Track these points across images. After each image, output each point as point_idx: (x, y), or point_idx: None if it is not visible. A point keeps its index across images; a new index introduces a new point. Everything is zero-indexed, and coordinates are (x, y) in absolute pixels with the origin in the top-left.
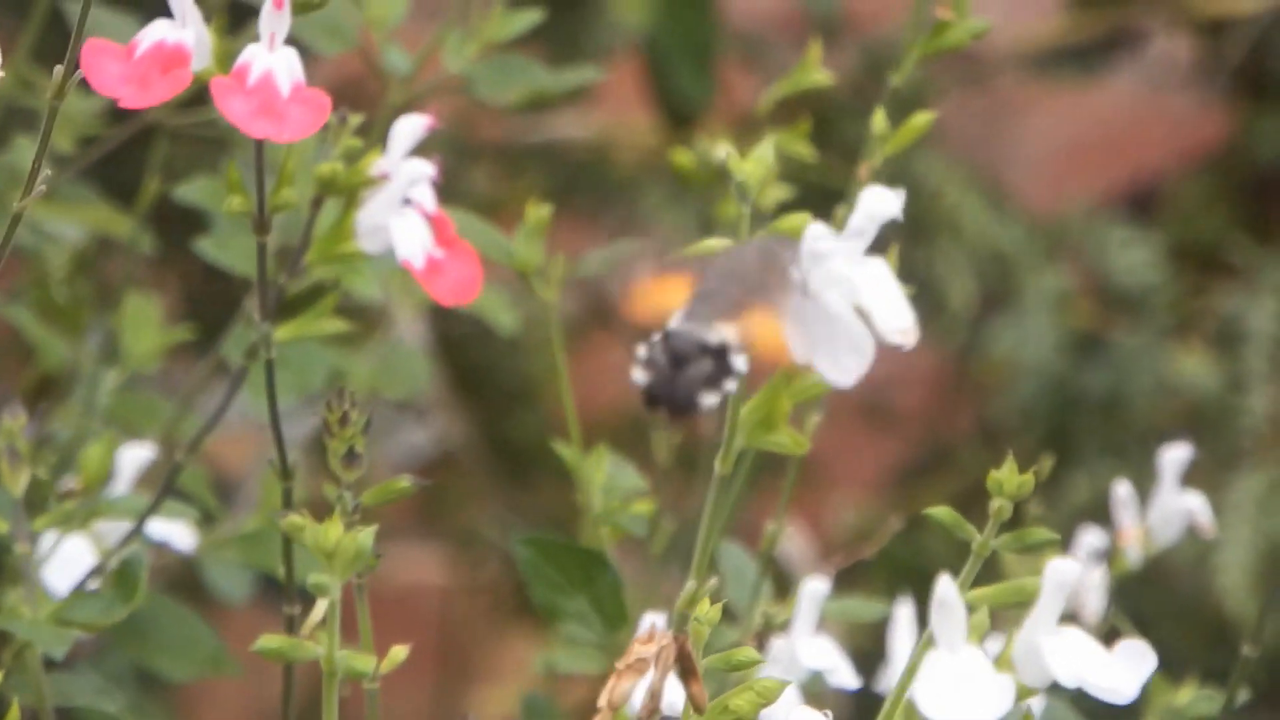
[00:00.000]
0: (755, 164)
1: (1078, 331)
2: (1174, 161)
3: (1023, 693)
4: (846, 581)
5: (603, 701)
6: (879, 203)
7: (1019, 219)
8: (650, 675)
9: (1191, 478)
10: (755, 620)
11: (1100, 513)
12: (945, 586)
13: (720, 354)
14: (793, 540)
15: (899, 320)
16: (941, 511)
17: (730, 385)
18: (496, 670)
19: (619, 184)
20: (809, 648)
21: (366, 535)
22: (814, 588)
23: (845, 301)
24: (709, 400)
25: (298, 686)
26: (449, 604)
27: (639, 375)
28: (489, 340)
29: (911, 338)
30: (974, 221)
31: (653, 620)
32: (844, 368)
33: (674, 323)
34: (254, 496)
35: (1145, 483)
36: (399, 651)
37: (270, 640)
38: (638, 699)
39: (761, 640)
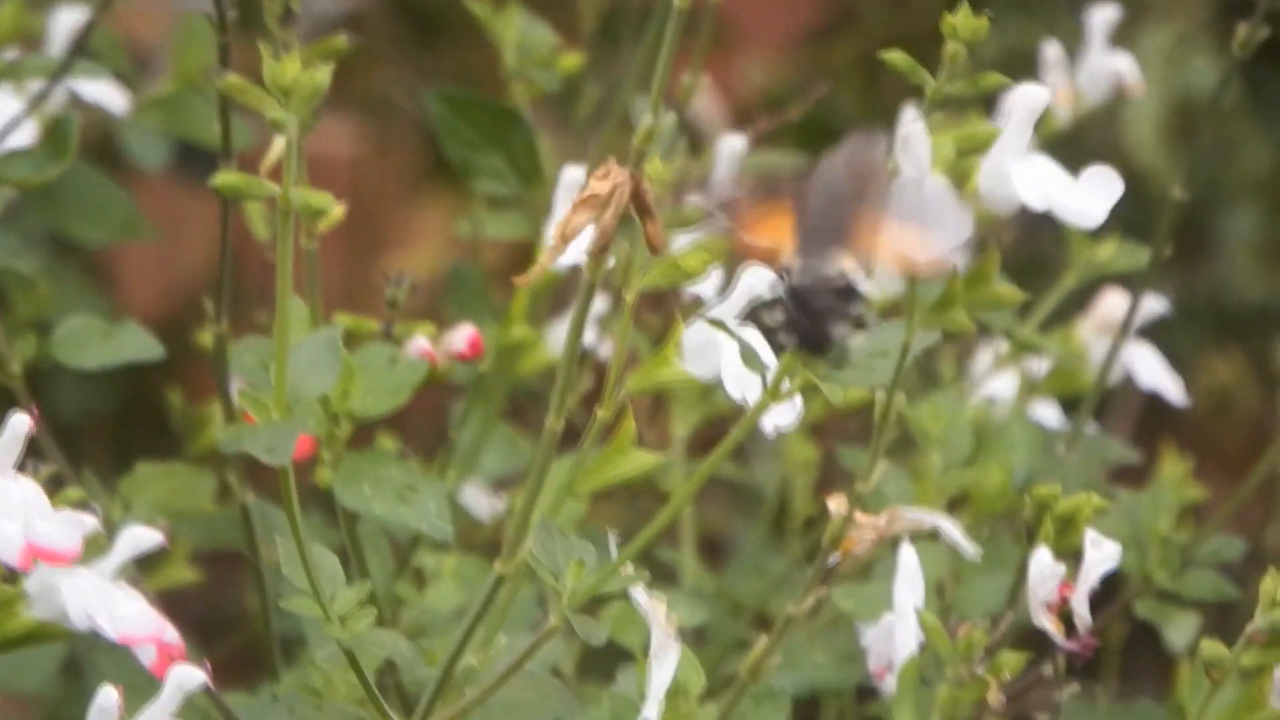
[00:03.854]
0: None
1: None
2: None
3: (986, 219)
4: (756, 144)
5: (555, 234)
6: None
7: None
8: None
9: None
10: (672, 173)
11: (1008, 71)
12: (909, 119)
13: (842, 284)
14: (704, 101)
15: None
16: (896, 56)
17: (857, 309)
18: (406, 237)
19: None
20: None
21: (324, 73)
22: (731, 143)
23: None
24: (841, 332)
25: (201, 261)
26: (358, 174)
27: (776, 329)
28: None
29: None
30: None
31: (576, 172)
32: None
33: (791, 265)
34: (169, 68)
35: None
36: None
37: (228, 177)
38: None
39: (679, 195)
